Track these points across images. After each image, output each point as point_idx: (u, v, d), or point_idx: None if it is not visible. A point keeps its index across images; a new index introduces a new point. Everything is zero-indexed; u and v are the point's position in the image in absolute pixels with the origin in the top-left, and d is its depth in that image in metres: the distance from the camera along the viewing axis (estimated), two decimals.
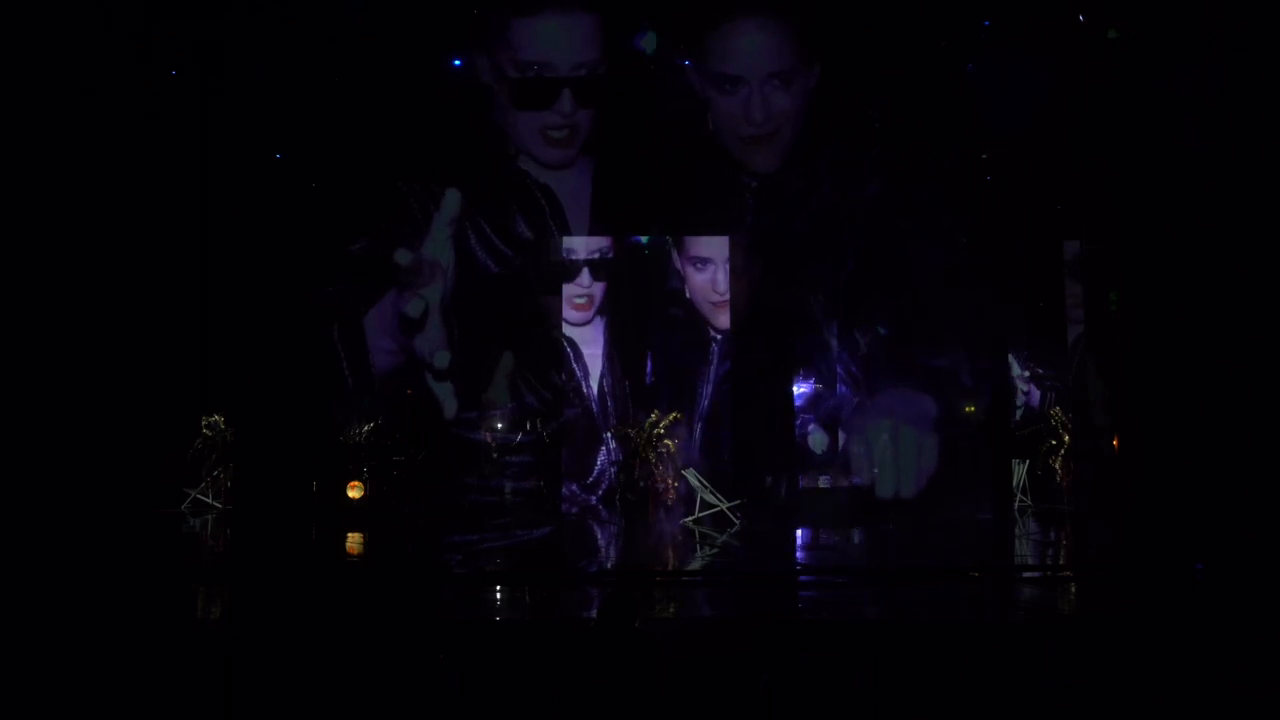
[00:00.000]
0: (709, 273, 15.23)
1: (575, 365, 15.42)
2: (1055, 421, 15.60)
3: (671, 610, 9.49)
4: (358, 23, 14.34)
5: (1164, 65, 12.04)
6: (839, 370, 15.35)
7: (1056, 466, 15.47)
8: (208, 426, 15.13)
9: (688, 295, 15.35)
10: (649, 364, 15.48)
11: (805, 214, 15.08)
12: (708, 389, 15.28)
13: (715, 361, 15.29)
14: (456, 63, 15.34)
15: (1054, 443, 15.51)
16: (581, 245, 15.44)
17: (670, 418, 14.86)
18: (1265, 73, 11.27)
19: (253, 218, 14.45)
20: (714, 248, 15.26)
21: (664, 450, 14.80)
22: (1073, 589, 10.47)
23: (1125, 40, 12.80)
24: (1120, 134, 12.68)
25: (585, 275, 15.39)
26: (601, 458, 15.41)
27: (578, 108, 14.98)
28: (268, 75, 14.09)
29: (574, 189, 15.51)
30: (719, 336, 15.28)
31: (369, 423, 15.44)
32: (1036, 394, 16.29)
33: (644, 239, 15.56)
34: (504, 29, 14.98)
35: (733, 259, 15.15)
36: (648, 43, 15.08)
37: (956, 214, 14.98)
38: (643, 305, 15.46)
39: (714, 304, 15.26)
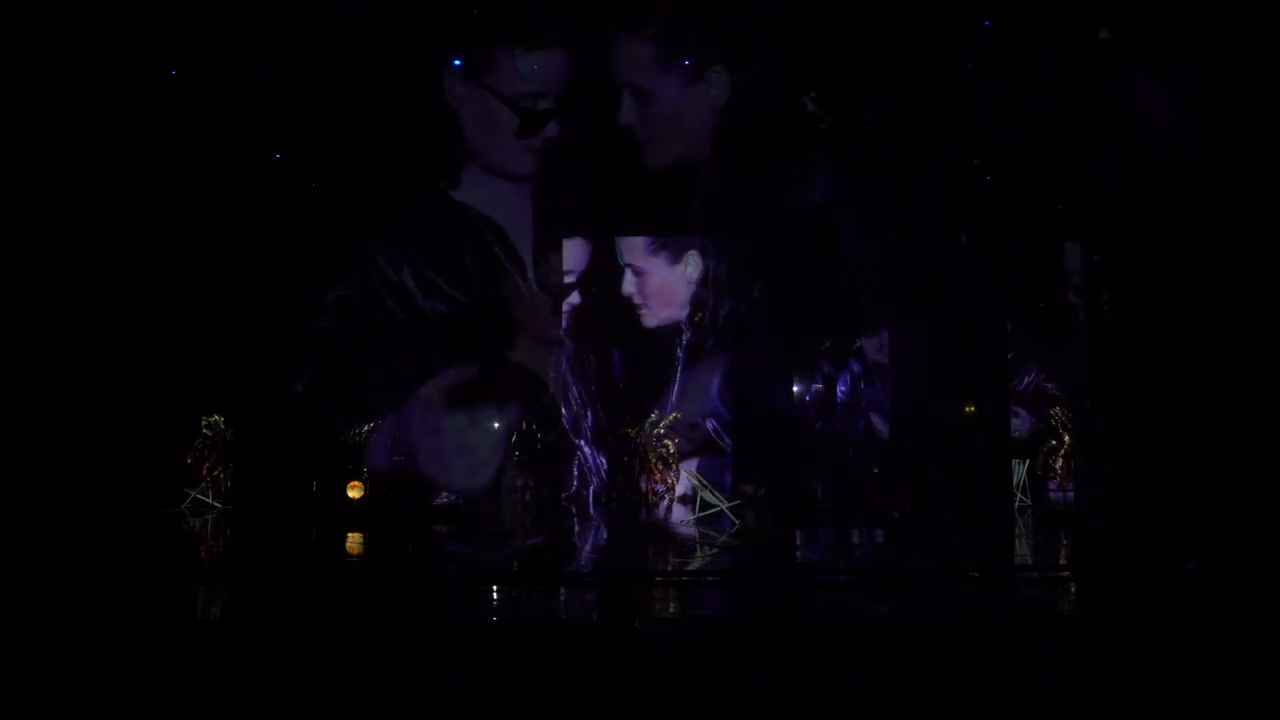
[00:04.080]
0: (629, 274, 15.56)
1: (561, 373, 15.53)
2: (1055, 421, 15.59)
3: (671, 610, 9.49)
4: (358, 23, 14.34)
5: (1164, 65, 12.04)
6: (843, 371, 15.39)
7: (1056, 466, 15.45)
8: (208, 426, 15.13)
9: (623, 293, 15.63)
10: (620, 367, 15.65)
11: (768, 213, 15.19)
12: (674, 388, 15.39)
13: (682, 363, 15.42)
14: (456, 63, 15.36)
15: (1054, 443, 15.50)
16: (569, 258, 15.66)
17: (670, 417, 14.87)
18: (1265, 73, 11.27)
19: (253, 218, 14.45)
20: (634, 250, 15.55)
21: (664, 450, 14.82)
22: (1073, 589, 10.47)
23: (1124, 40, 12.79)
24: (1120, 134, 12.68)
25: (575, 294, 15.68)
26: (591, 461, 15.50)
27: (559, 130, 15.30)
28: (268, 75, 14.09)
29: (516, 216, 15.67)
30: (682, 340, 15.42)
31: (369, 423, 15.45)
32: (1028, 422, 16.23)
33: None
34: (498, 58, 15.20)
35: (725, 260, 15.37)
36: None
37: (956, 214, 14.97)
38: (607, 310, 15.64)
39: (635, 305, 15.52)
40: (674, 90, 15.26)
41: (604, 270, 15.67)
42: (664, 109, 15.20)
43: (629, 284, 15.61)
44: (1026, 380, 16.23)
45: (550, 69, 15.20)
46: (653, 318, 15.63)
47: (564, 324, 15.63)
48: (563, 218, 15.56)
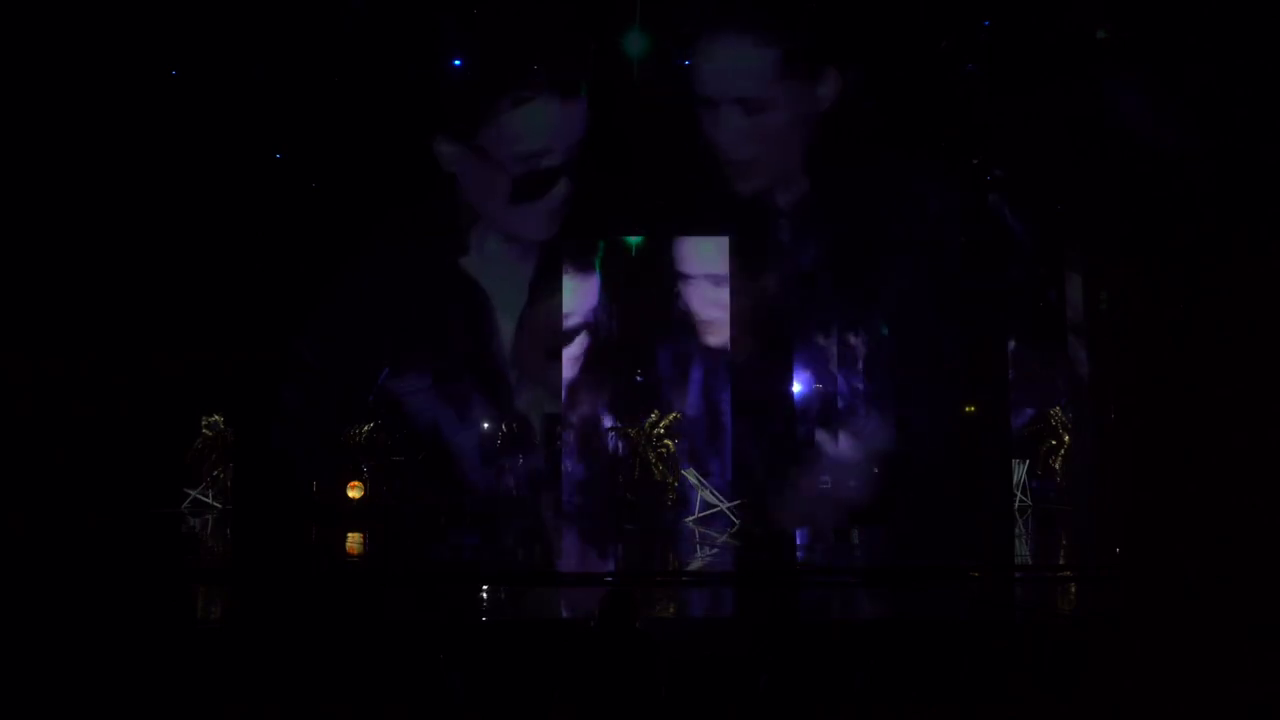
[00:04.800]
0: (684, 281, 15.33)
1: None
2: (1055, 421, 15.60)
3: (671, 610, 9.49)
4: (358, 22, 14.32)
5: (1164, 65, 12.04)
6: (839, 373, 15.38)
7: (1056, 466, 15.46)
8: (208, 426, 15.14)
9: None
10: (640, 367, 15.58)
11: (790, 217, 15.04)
12: (694, 392, 15.35)
13: (702, 369, 15.38)
14: (456, 62, 15.32)
15: (1054, 443, 15.51)
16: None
17: (670, 417, 14.87)
18: (1265, 73, 11.26)
19: (253, 217, 14.46)
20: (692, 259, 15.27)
21: (664, 450, 14.82)
22: (1073, 589, 10.47)
23: (1124, 40, 12.79)
24: (1120, 133, 12.68)
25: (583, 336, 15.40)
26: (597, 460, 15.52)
27: (572, 187, 14.75)
28: (268, 75, 14.10)
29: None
30: (711, 345, 15.38)
31: (369, 423, 15.46)
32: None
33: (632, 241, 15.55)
34: (492, 119, 14.69)
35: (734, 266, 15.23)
36: (634, 44, 14.64)
37: (956, 213, 14.97)
38: (639, 311, 15.49)
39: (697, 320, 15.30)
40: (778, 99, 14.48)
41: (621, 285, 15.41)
42: (764, 118, 14.46)
43: (690, 298, 15.13)
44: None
45: (551, 120, 14.46)
46: (715, 335, 15.16)
47: (574, 362, 15.44)
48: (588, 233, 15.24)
